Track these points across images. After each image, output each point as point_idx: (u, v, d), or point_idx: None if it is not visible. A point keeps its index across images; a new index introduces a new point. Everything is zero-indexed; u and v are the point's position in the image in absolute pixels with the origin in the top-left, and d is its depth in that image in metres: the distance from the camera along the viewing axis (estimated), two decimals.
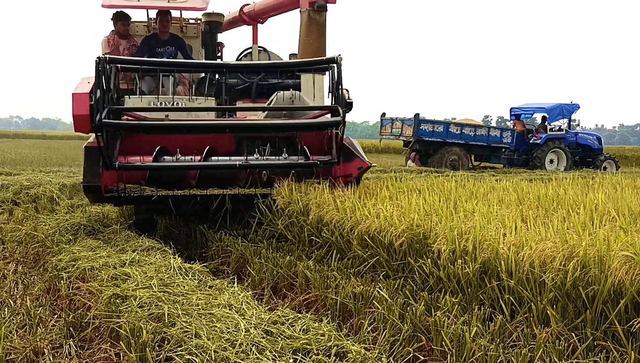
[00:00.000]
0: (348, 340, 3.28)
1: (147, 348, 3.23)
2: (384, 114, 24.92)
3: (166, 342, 3.39)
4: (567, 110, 24.45)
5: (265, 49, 9.95)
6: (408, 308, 3.88)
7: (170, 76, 8.18)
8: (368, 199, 5.80)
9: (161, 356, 3.23)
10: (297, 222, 6.00)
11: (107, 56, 6.33)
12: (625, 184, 7.78)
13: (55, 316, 4.67)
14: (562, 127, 24.69)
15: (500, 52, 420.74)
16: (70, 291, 4.87)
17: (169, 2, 9.06)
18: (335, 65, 6.54)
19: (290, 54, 9.84)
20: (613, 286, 3.16)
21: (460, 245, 4.22)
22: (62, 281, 5.05)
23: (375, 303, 4.08)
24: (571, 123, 24.90)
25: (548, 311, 3.33)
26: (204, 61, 9.00)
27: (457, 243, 4.27)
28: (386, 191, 6.17)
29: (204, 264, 5.37)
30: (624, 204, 5.06)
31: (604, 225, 4.14)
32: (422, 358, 3.48)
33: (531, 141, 24.03)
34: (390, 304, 3.96)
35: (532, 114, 25.64)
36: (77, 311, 4.49)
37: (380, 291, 4.23)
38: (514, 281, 3.68)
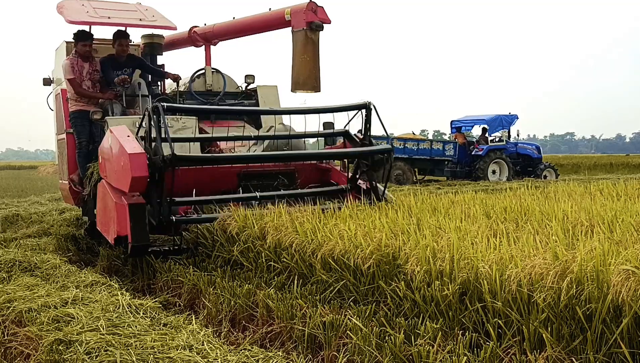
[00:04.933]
0: None
1: None
2: None
3: None
4: (506, 121, 24.83)
5: (218, 70, 9.67)
6: (386, 337, 3.56)
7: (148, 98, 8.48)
8: (328, 219, 5.46)
9: None
10: (254, 247, 5.61)
11: (164, 104, 6.12)
12: (579, 192, 7.68)
13: None
14: (502, 138, 25.03)
15: (431, 68, 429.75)
16: (6, 337, 4.36)
17: (140, 20, 8.88)
18: (365, 110, 7.12)
19: (245, 75, 9.64)
20: (612, 304, 2.92)
21: (436, 265, 3.93)
22: None
23: (349, 332, 3.74)
24: (511, 134, 25.27)
25: (543, 334, 3.06)
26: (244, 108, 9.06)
27: (431, 263, 3.98)
28: (346, 209, 5.86)
29: (155, 299, 4.93)
30: (594, 212, 4.89)
31: (584, 236, 3.93)
32: None
33: (473, 153, 24.25)
34: (365, 333, 3.63)
35: (473, 126, 25.90)
36: (14, 361, 3.99)
37: (352, 319, 3.90)
38: (500, 303, 3.40)
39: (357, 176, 7.40)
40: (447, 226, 4.76)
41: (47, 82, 10.19)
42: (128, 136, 6.28)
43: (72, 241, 8.70)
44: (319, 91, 7.96)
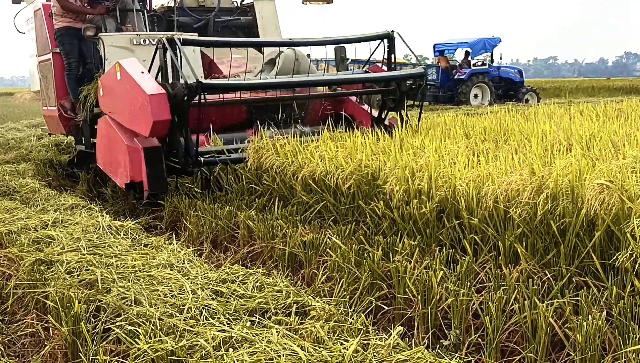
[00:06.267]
0: (309, 295, 2.98)
1: (82, 321, 2.84)
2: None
3: (102, 311, 3.01)
4: (489, 44, 24.55)
5: None
6: (365, 255, 3.61)
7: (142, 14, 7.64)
8: (309, 141, 5.45)
9: (97, 328, 2.85)
10: (234, 169, 5.62)
11: (182, 37, 5.55)
12: (559, 114, 7.71)
13: None
14: (484, 61, 24.83)
15: None
16: None
17: None
18: (388, 40, 6.64)
19: None
20: (586, 218, 2.97)
21: (414, 184, 3.96)
22: None
23: (329, 251, 3.79)
24: (494, 58, 25.04)
25: (517, 249, 3.12)
26: (268, 40, 8.03)
27: (409, 182, 4.01)
28: (327, 131, 5.83)
29: (136, 221, 4.94)
30: (573, 132, 4.92)
31: (562, 154, 3.96)
32: (386, 308, 3.23)
33: (456, 77, 24.07)
34: (344, 251, 3.68)
35: (456, 50, 25.63)
36: None
37: (332, 238, 3.95)
38: (476, 219, 3.45)
39: (384, 116, 6.85)
40: (427, 146, 4.77)
41: (16, 0, 9.06)
42: (142, 73, 5.65)
43: (51, 167, 8.64)
44: (332, 2, 7.35)
